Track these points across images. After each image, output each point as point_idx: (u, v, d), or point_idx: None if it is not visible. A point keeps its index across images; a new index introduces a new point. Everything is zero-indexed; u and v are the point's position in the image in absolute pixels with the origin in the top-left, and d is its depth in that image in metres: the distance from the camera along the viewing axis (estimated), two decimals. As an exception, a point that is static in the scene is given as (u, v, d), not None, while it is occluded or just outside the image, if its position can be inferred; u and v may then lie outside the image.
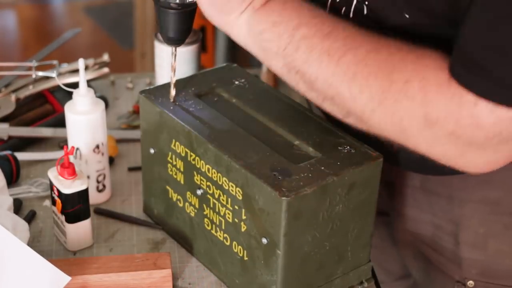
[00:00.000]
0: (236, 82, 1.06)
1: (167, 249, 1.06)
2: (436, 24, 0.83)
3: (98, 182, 1.12)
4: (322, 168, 0.89)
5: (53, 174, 1.02)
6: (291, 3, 0.86)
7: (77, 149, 1.09)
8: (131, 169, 1.22)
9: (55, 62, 1.35)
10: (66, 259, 1.01)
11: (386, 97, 0.79)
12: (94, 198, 1.12)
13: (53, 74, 1.30)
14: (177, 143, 0.99)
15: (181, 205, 1.03)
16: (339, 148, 0.93)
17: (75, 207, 1.02)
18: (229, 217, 0.95)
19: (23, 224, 0.98)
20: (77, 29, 1.52)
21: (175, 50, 0.99)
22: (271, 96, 1.03)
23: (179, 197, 1.03)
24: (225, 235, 0.97)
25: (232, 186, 0.92)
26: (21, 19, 3.81)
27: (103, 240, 1.08)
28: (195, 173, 0.98)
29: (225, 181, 0.93)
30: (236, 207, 0.93)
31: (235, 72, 1.09)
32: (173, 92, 1.00)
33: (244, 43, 0.90)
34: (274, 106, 1.00)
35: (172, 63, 1.00)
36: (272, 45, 0.86)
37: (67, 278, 0.91)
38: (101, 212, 1.12)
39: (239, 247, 0.95)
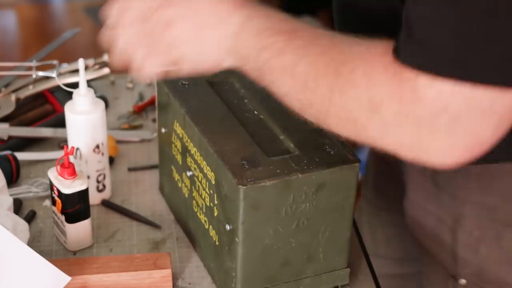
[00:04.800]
0: None
1: (167, 249, 1.06)
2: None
3: (98, 182, 1.13)
4: (292, 164, 0.90)
5: (53, 174, 1.02)
6: (252, 22, 0.85)
7: (77, 149, 1.09)
8: (131, 169, 1.22)
9: (55, 62, 1.35)
10: (66, 259, 1.01)
11: (333, 91, 0.79)
12: (94, 198, 1.12)
13: (53, 74, 1.30)
14: (177, 124, 1.01)
15: (180, 185, 1.05)
16: (320, 148, 0.93)
17: (75, 207, 1.02)
18: (207, 201, 0.96)
19: (23, 224, 0.98)
20: (77, 29, 1.52)
21: None
22: None
23: (178, 177, 1.05)
24: (205, 218, 0.98)
25: (209, 170, 0.94)
26: (21, 19, 3.81)
27: (103, 240, 1.08)
28: (187, 154, 1.00)
29: (205, 164, 0.94)
30: (211, 191, 0.94)
31: None
32: None
33: None
34: (277, 102, 1.01)
35: None
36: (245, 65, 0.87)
37: (67, 278, 0.91)
38: (108, 205, 1.13)
39: (213, 231, 0.96)
